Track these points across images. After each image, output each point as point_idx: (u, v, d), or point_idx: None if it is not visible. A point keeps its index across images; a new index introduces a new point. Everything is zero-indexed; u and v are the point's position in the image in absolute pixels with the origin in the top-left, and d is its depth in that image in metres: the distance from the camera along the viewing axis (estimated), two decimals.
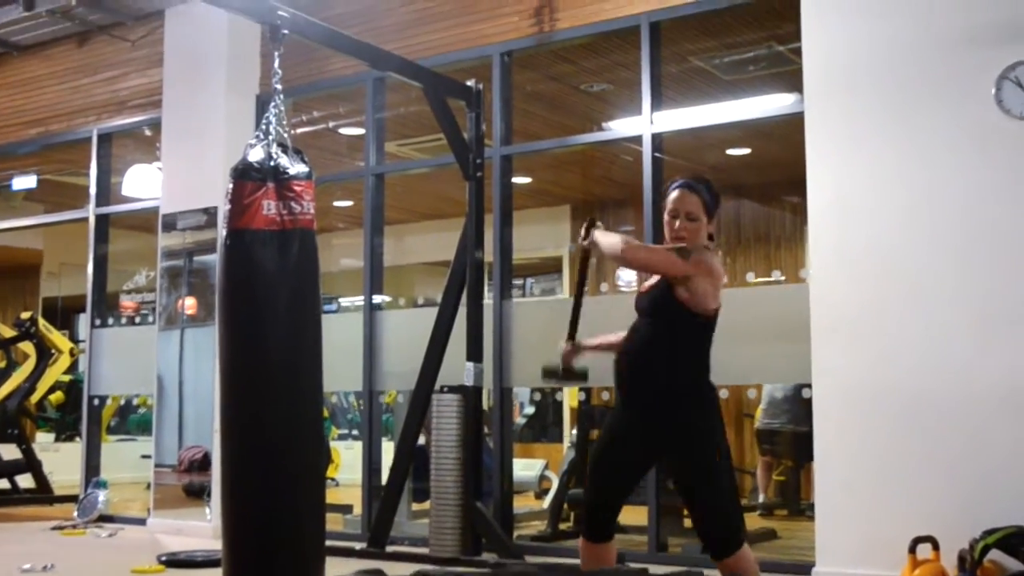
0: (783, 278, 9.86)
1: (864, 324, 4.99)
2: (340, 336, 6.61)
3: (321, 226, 4.70)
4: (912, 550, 4.61)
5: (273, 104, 4.71)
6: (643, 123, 5.90)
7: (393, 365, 6.74)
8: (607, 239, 3.54)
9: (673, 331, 3.48)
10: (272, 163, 4.52)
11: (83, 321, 12.57)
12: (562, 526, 7.00)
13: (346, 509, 7.63)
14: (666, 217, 3.54)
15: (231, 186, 4.52)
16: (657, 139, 5.92)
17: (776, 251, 10.31)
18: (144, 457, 11.26)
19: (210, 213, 7.25)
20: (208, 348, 7.10)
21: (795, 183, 9.67)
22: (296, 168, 4.56)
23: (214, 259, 7.12)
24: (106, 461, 8.49)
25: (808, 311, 5.14)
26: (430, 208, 10.22)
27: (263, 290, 4.45)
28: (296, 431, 4.43)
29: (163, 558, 5.68)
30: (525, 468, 8.48)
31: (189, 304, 7.52)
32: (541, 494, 8.81)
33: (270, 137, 4.61)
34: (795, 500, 8.59)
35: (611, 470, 3.59)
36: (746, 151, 8.60)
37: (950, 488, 4.73)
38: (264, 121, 4.67)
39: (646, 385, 3.51)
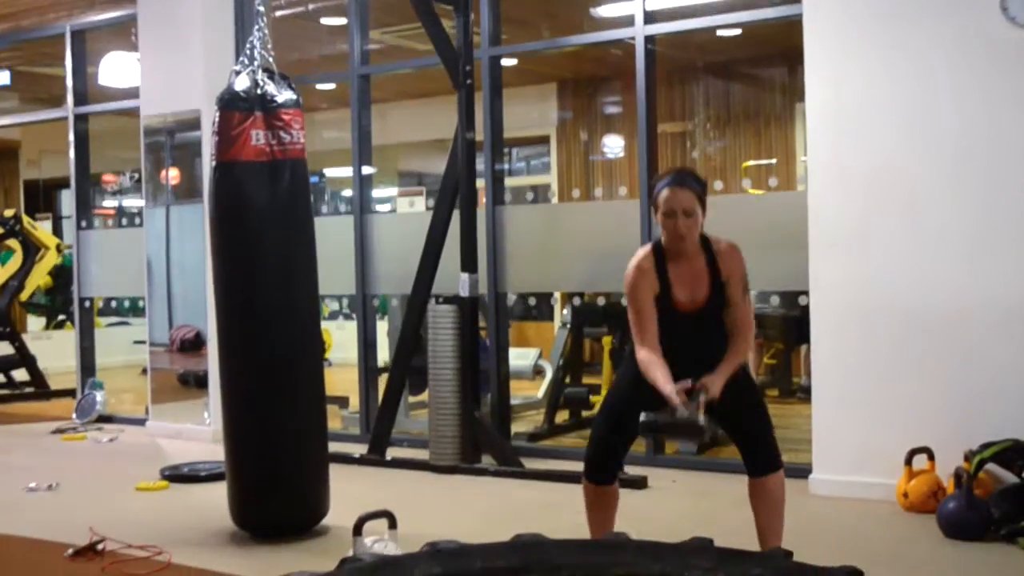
0: (774, 160, 9.80)
1: (861, 238, 4.95)
2: (331, 240, 6.54)
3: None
4: (908, 461, 4.69)
5: (256, 27, 4.57)
6: (637, 27, 5.73)
7: (385, 269, 6.71)
8: (728, 368, 3.39)
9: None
10: (259, 91, 4.42)
11: (65, 198, 12.48)
12: (557, 419, 7.12)
13: (342, 402, 7.68)
14: (661, 217, 3.41)
15: (217, 116, 4.42)
16: (650, 40, 5.76)
17: (766, 129, 10.19)
18: (137, 343, 11.37)
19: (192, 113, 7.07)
20: (194, 225, 7.06)
21: (786, 57, 9.62)
22: (284, 96, 4.46)
23: (197, 134, 6.97)
24: (99, 347, 8.45)
25: (805, 220, 5.09)
26: (415, 88, 10.03)
27: (255, 223, 4.40)
28: (294, 358, 4.45)
29: (166, 472, 5.73)
30: (519, 357, 8.51)
31: (173, 176, 7.39)
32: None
33: (255, 63, 4.49)
34: (786, 381, 8.70)
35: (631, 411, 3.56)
36: (736, 32, 8.39)
37: (945, 401, 4.77)
38: (248, 46, 4.54)
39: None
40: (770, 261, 5.48)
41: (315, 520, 4.51)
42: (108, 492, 5.48)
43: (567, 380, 7.20)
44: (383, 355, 7.21)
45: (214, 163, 4.37)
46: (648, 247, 3.53)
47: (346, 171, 9.96)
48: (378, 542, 3.68)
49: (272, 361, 4.38)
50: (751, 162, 9.55)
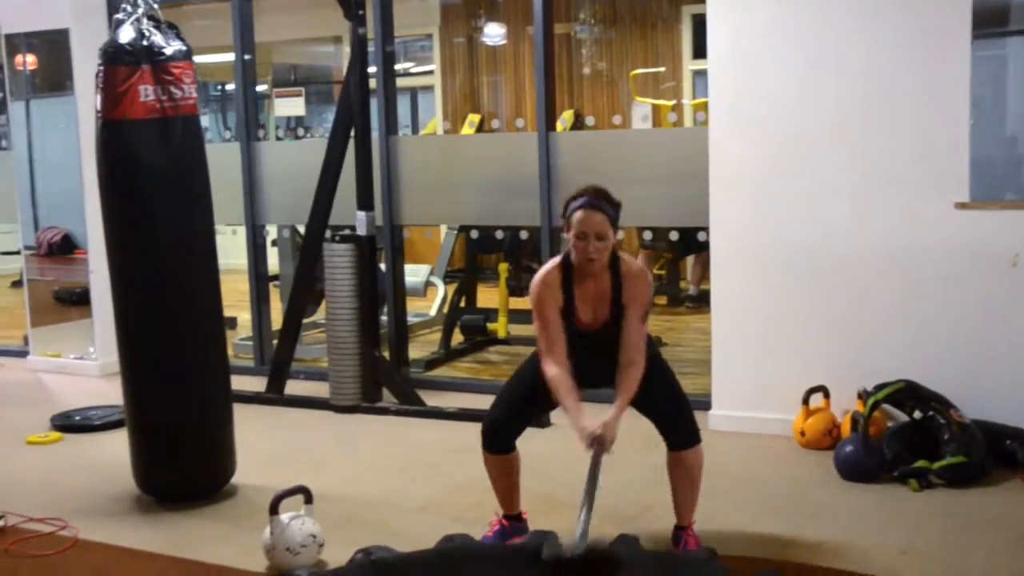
0: (663, 68, 9.77)
1: (758, 179, 5.00)
2: (218, 169, 6.31)
3: None
4: (805, 400, 4.84)
5: None
6: None
7: (276, 199, 6.53)
8: (622, 405, 3.38)
9: None
10: (145, 43, 4.17)
11: None
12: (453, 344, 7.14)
13: (230, 322, 7.53)
14: (572, 239, 3.38)
15: (101, 71, 4.17)
16: None
17: (653, 32, 10.12)
18: (3, 254, 10.91)
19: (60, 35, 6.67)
20: (56, 119, 6.80)
21: None
22: (173, 47, 4.24)
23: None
24: None
25: (705, 156, 5.11)
26: None
27: (147, 185, 4.21)
28: (191, 325, 4.32)
29: (57, 422, 5.56)
30: (410, 274, 8.45)
31: (30, 61, 7.00)
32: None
33: (139, 11, 4.23)
34: (675, 289, 8.86)
35: (533, 402, 3.59)
36: None
37: (839, 341, 4.92)
38: None
39: None
40: (670, 196, 5.51)
41: (224, 480, 4.45)
42: None
43: (462, 305, 7.19)
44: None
45: (101, 122, 4.14)
46: (556, 261, 3.52)
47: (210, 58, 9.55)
48: (295, 519, 3.65)
49: (173, 344, 4.25)
50: (640, 70, 9.49)
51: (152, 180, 4.16)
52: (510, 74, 10.93)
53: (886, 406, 4.68)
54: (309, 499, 3.71)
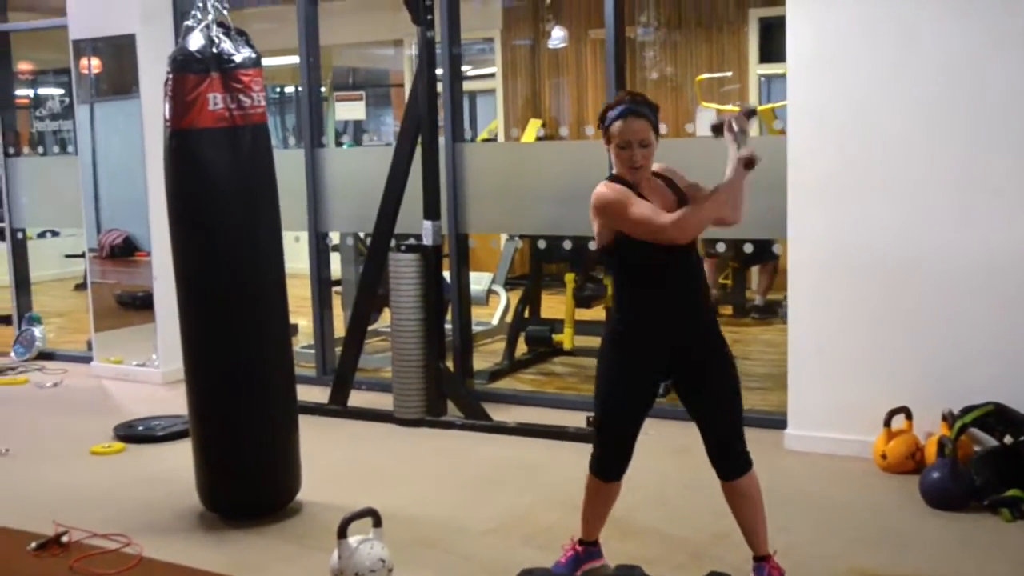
0: (730, 72, 9.58)
1: (842, 187, 4.82)
2: (281, 175, 6.25)
3: None
4: (888, 422, 4.65)
5: None
6: None
7: (339, 206, 6.45)
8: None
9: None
10: (214, 50, 4.10)
11: None
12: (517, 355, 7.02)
13: (292, 329, 7.47)
14: (614, 149, 3.25)
15: (170, 79, 4.10)
16: None
17: (719, 36, 9.93)
18: (68, 256, 10.96)
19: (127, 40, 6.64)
20: (120, 122, 6.78)
21: None
22: (242, 54, 4.16)
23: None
24: (31, 262, 8.07)
25: (783, 165, 4.94)
26: None
27: (216, 194, 4.13)
28: (258, 335, 4.24)
29: (121, 432, 5.51)
30: (473, 282, 8.35)
31: (95, 64, 6.97)
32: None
33: (209, 17, 4.16)
34: (741, 300, 8.67)
35: (635, 407, 3.44)
36: None
37: (923, 360, 4.71)
38: None
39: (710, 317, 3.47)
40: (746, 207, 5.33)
41: (290, 497, 4.36)
42: (61, 457, 5.25)
43: (527, 315, 7.06)
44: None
45: (169, 131, 4.07)
46: (607, 181, 3.35)
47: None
48: (364, 542, 3.54)
49: (240, 356, 4.18)
50: (706, 75, 9.31)
51: (221, 189, 4.09)
52: (572, 78, 10.79)
53: (973, 430, 4.48)
54: (378, 522, 3.61)
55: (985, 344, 4.61)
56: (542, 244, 6.18)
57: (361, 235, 7.18)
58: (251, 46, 4.16)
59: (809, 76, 4.85)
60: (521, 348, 7.16)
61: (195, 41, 4.06)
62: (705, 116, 9.62)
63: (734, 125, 3.28)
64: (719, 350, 3.42)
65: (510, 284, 8.41)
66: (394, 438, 5.47)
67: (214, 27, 4.11)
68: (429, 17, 5.42)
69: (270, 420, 4.26)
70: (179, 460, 5.06)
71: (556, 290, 8.07)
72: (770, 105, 8.76)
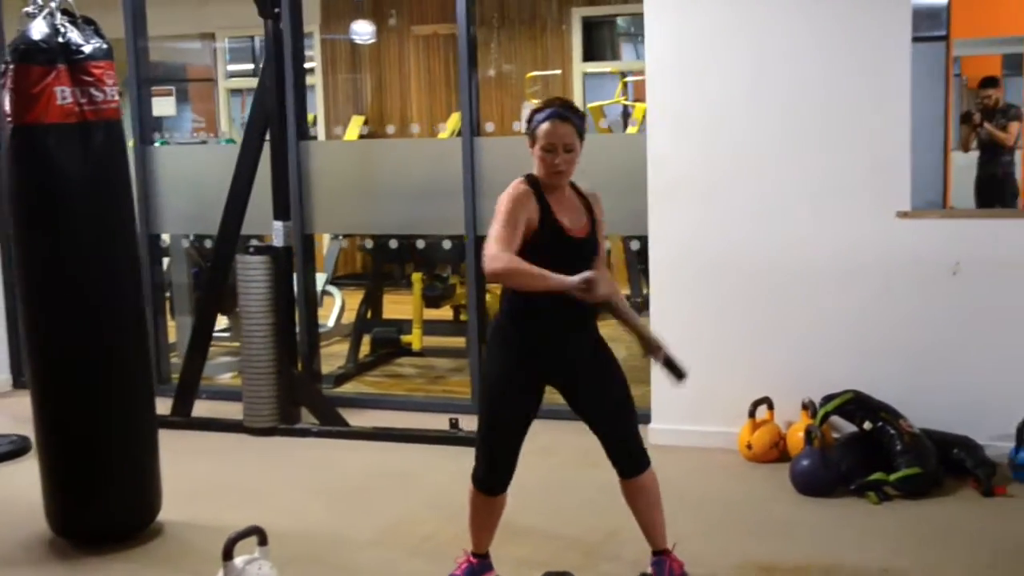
0: (559, 71, 9.64)
1: (700, 187, 4.89)
2: None
3: None
4: (752, 412, 4.75)
5: None
6: None
7: (172, 207, 6.12)
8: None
9: None
10: (60, 39, 3.79)
11: None
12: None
13: None
14: (539, 151, 3.17)
15: (10, 70, 3.77)
16: None
17: (542, 35, 9.98)
18: None
19: None
20: None
21: None
22: (92, 45, 3.86)
23: None
24: None
25: (643, 164, 4.97)
26: None
27: (63, 198, 3.83)
28: (114, 341, 3.95)
29: None
30: None
31: None
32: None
33: (52, 4, 3.84)
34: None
35: (523, 415, 3.36)
36: None
37: (781, 352, 4.83)
38: None
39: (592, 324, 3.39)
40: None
41: (151, 518, 4.08)
42: None
43: (369, 315, 6.90)
44: None
45: (12, 126, 3.74)
46: (519, 179, 3.25)
47: None
48: (251, 563, 3.34)
49: (94, 367, 3.88)
50: (536, 72, 9.34)
51: (70, 189, 3.78)
52: (394, 75, 10.64)
53: (834, 417, 4.62)
54: (263, 540, 3.40)
55: (838, 335, 4.76)
56: (393, 244, 6.03)
57: (191, 237, 6.85)
58: (101, 36, 3.87)
59: (667, 78, 4.89)
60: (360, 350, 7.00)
61: (38, 29, 3.74)
62: (528, 112, 9.69)
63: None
64: (605, 352, 3.38)
65: (336, 284, 8.23)
66: (248, 449, 5.22)
67: (58, 15, 3.80)
68: (276, 10, 5.19)
69: (129, 433, 3.99)
70: (13, 483, 4.72)
71: (393, 290, 7.94)
72: (599, 103, 8.89)
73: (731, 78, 4.79)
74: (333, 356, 7.01)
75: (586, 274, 2.99)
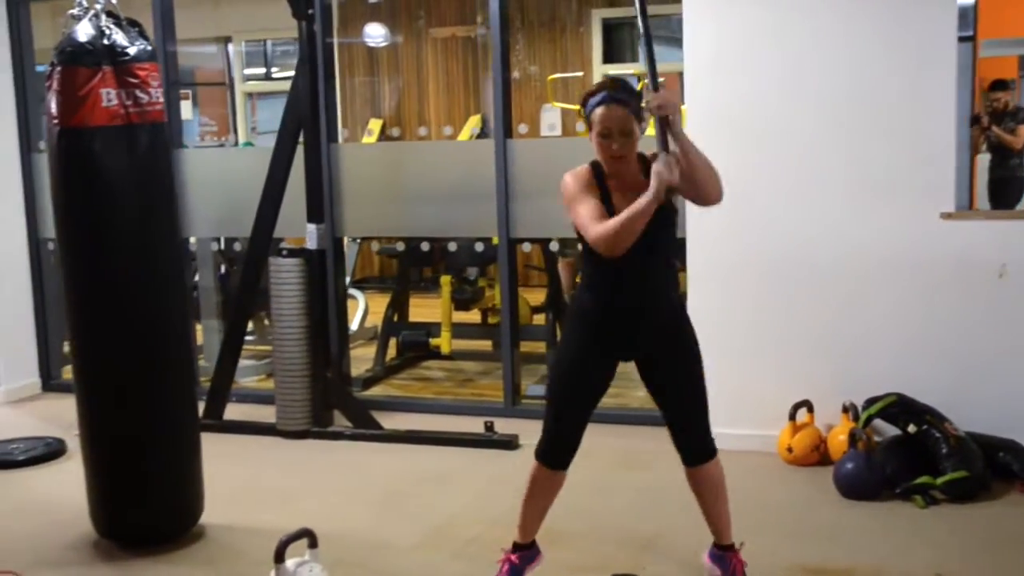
0: (581, 73, 9.61)
1: (739, 187, 4.77)
2: None
3: None
4: (792, 416, 4.72)
5: None
6: None
7: (199, 211, 6.09)
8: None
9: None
10: (106, 41, 3.77)
11: None
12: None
13: None
14: (595, 137, 3.14)
15: (57, 72, 3.76)
16: None
17: (562, 36, 9.95)
18: None
19: None
20: None
21: None
22: (136, 47, 3.84)
23: None
24: None
25: None
26: None
27: (110, 197, 3.81)
28: (158, 345, 3.93)
29: None
30: None
31: None
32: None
33: (97, 5, 3.82)
34: None
35: (593, 390, 3.32)
36: None
37: (821, 354, 4.80)
38: None
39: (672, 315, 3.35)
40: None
41: (194, 520, 4.07)
42: None
43: (395, 318, 6.87)
44: None
45: (57, 129, 3.72)
46: (586, 165, 3.25)
47: None
48: (302, 565, 3.32)
49: (136, 347, 3.85)
50: (557, 75, 9.31)
51: (116, 192, 3.76)
52: (413, 78, 10.62)
53: (877, 421, 4.59)
54: (314, 543, 3.39)
55: (880, 337, 4.73)
56: (425, 246, 6.00)
57: (220, 240, 6.84)
58: (145, 37, 3.86)
59: (706, 77, 4.86)
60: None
61: (83, 31, 3.72)
62: (550, 114, 9.67)
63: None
64: (687, 332, 3.35)
65: (358, 287, 8.22)
66: (281, 452, 5.20)
67: (103, 16, 3.78)
68: (311, 11, 5.17)
69: (173, 437, 3.97)
70: (53, 485, 4.72)
71: (417, 293, 7.91)
72: None
73: (769, 76, 4.76)
74: (357, 359, 6.98)
75: (658, 167, 2.99)
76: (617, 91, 3.17)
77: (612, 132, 3.12)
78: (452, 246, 5.92)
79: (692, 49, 4.87)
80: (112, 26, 3.77)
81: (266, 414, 5.58)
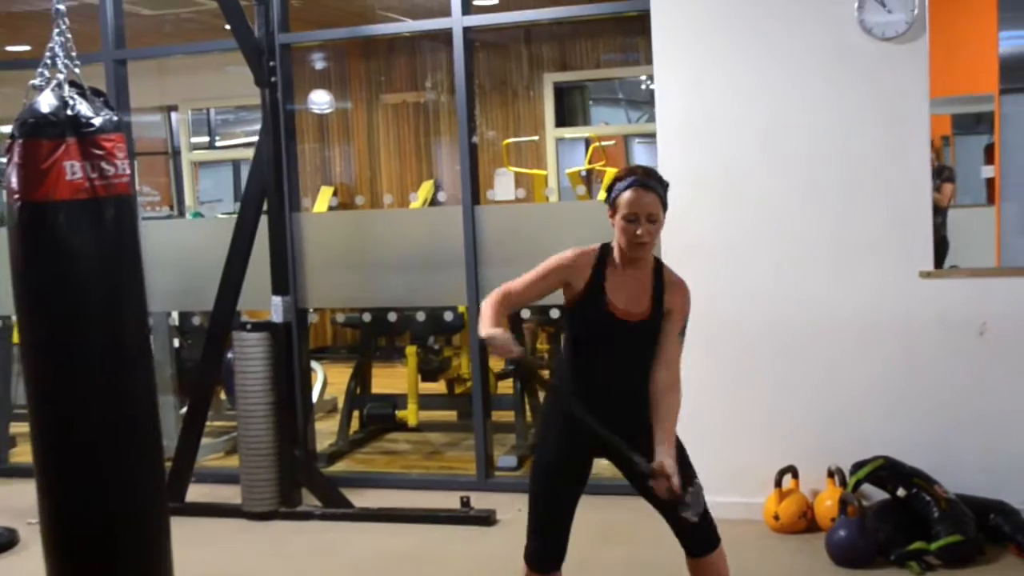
0: (536, 137, 9.58)
1: (716, 249, 4.80)
2: None
3: None
4: (778, 482, 4.62)
5: (56, 30, 3.73)
6: (455, 18, 5.28)
7: (158, 282, 5.89)
8: (670, 440, 3.07)
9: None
10: (69, 112, 3.61)
11: None
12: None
13: None
14: (620, 221, 3.05)
15: (18, 145, 3.58)
16: (468, 33, 5.32)
17: (514, 99, 9.93)
18: None
19: None
20: None
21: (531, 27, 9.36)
22: (102, 117, 3.68)
23: None
24: None
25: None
26: None
27: (75, 277, 3.62)
28: (127, 430, 3.72)
29: None
30: None
31: None
32: None
33: (60, 76, 3.67)
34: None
35: (573, 489, 3.21)
36: None
37: (805, 418, 4.73)
38: (48, 53, 3.70)
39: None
40: None
41: None
42: None
43: (359, 390, 6.69)
44: None
45: (19, 203, 3.54)
46: (595, 247, 3.14)
47: None
48: None
49: (104, 435, 3.64)
50: (512, 139, 9.27)
51: (82, 268, 3.57)
52: (362, 145, 10.53)
53: (865, 485, 4.50)
54: None
55: (863, 399, 4.67)
56: (392, 317, 5.85)
57: (171, 314, 6.64)
58: (110, 107, 3.70)
59: (679, 139, 4.82)
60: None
61: (46, 102, 3.56)
62: (504, 179, 9.60)
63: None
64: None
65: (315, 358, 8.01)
66: (249, 534, 4.99)
67: (66, 86, 3.62)
68: (273, 79, 5.06)
69: (141, 522, 3.74)
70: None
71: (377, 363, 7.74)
72: (576, 168, 8.84)
73: (743, 139, 4.74)
74: (318, 434, 6.77)
75: (492, 331, 2.89)
76: (648, 176, 3.10)
77: (639, 217, 3.03)
78: (421, 315, 5.78)
79: (664, 112, 4.83)
80: (76, 96, 3.61)
81: (228, 494, 5.37)
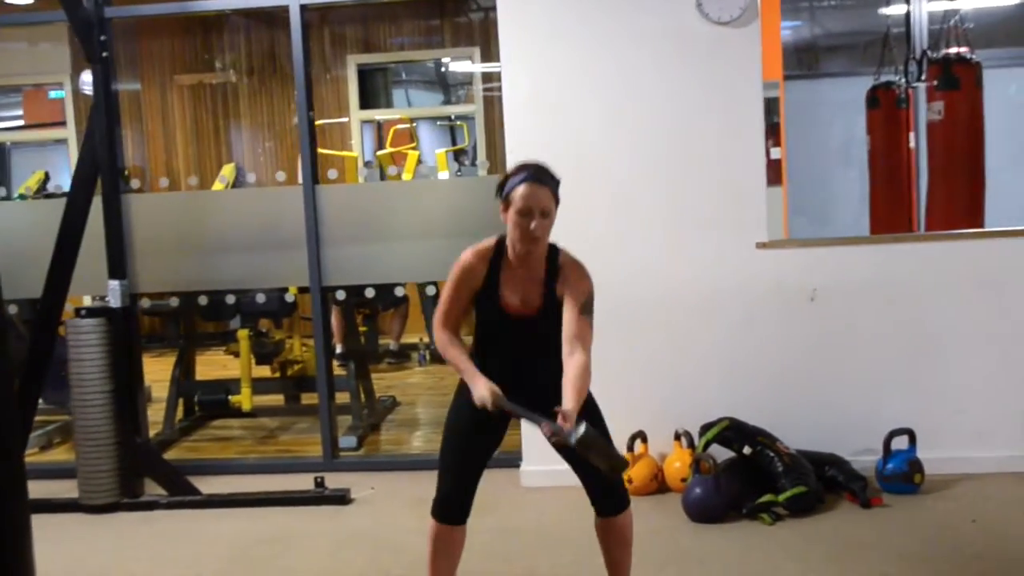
0: (345, 119, 9.48)
1: (562, 225, 4.86)
2: None
3: None
4: (630, 447, 4.81)
5: None
6: None
7: None
8: (579, 396, 3.09)
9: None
10: None
11: None
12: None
13: None
14: (513, 216, 3.09)
15: None
16: (305, 11, 5.25)
17: (317, 83, 9.76)
18: None
19: None
20: None
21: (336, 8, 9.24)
22: None
23: None
24: None
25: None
26: None
27: None
28: None
29: None
30: None
31: None
32: None
33: None
34: (374, 346, 8.56)
35: (482, 449, 3.27)
36: None
37: (651, 385, 4.95)
38: None
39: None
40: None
41: None
42: None
43: (184, 378, 6.48)
44: None
45: None
46: (491, 240, 3.21)
47: None
48: None
49: None
50: (321, 121, 9.15)
51: None
52: (157, 126, 10.14)
53: (713, 445, 4.74)
54: None
55: (706, 365, 4.92)
56: (231, 299, 5.70)
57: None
58: None
59: (526, 118, 4.92)
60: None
61: None
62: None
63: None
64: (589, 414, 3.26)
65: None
66: (95, 528, 4.78)
67: None
68: (105, 54, 4.83)
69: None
70: None
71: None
72: (386, 151, 8.82)
73: (586, 116, 4.90)
74: None
75: (483, 393, 3.01)
76: (541, 172, 3.15)
77: (532, 211, 3.08)
78: (261, 298, 5.66)
79: (510, 89, 4.93)
80: None
81: (60, 489, 5.12)
